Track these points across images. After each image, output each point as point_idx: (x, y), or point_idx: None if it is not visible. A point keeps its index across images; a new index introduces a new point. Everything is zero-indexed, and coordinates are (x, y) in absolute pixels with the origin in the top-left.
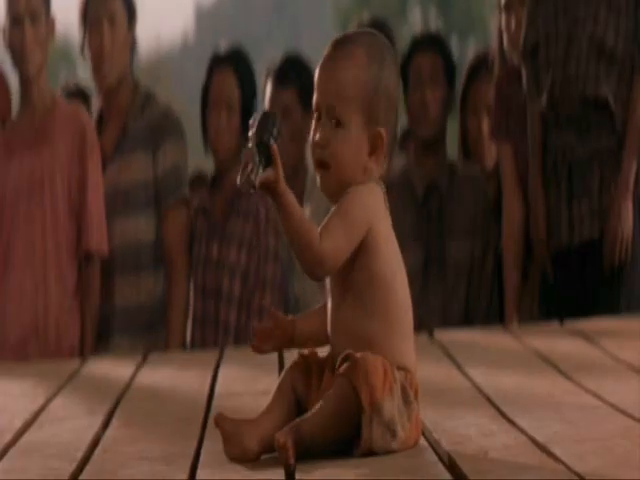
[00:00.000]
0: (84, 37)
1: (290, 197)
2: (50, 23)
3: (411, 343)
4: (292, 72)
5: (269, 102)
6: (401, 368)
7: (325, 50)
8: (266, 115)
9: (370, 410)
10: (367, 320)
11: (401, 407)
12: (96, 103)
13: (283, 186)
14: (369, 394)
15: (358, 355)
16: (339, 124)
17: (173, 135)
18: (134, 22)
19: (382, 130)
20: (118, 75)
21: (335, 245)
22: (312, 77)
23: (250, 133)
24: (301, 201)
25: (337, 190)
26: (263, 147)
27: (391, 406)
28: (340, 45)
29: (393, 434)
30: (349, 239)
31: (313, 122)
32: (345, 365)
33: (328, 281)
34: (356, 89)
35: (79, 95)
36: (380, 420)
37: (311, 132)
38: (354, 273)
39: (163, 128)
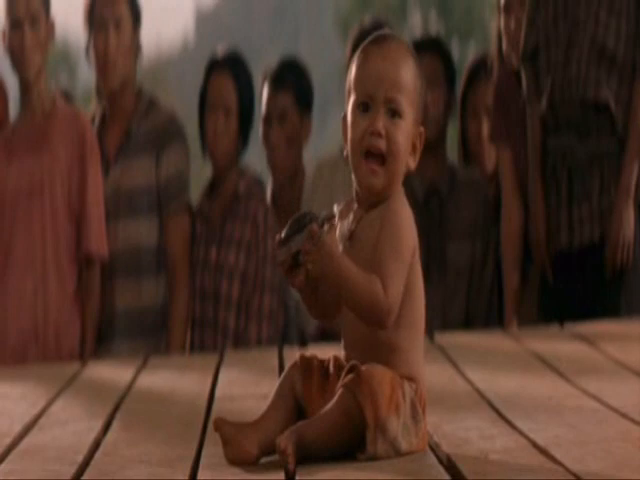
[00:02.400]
0: (89, 40)
1: (345, 260)
2: (49, 26)
3: (422, 352)
4: (289, 76)
5: (266, 105)
6: (412, 378)
7: (364, 45)
8: (295, 226)
9: (374, 426)
10: (394, 328)
11: (408, 424)
12: (98, 107)
13: (337, 250)
14: (373, 412)
15: (364, 368)
16: (396, 115)
17: (176, 141)
18: (139, 27)
19: (422, 129)
20: (122, 79)
21: (398, 288)
22: (309, 81)
23: (278, 249)
24: (298, 205)
25: (382, 190)
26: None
27: (396, 424)
28: (385, 40)
29: (398, 450)
30: (405, 273)
31: (353, 113)
32: (349, 377)
33: None
34: (412, 82)
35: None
36: (385, 438)
37: (352, 122)
38: None
39: (167, 133)
